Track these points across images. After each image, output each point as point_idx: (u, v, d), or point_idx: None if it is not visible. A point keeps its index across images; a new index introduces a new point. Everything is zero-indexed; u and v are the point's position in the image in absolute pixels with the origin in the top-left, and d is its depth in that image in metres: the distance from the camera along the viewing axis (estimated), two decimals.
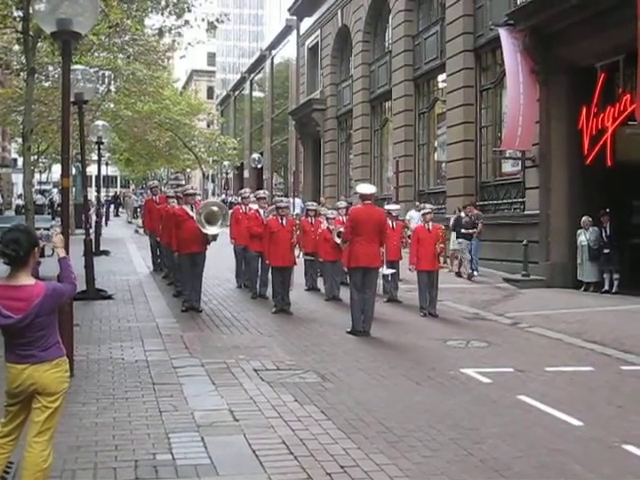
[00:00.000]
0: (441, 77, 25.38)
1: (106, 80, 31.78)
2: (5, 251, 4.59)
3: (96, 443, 6.22)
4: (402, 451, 6.20)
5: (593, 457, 6.22)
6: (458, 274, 19.96)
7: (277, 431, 6.64)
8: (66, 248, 5.62)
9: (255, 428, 6.70)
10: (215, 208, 13.28)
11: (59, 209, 35.63)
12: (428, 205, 14.98)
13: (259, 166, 47.50)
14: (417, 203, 22.63)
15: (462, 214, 20.17)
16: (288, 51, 46.04)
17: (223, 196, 47.81)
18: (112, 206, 51.56)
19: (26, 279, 4.66)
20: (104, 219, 38.24)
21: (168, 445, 6.22)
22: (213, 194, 62.61)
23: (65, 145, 8.85)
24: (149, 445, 6.21)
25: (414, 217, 20.98)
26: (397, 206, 16.73)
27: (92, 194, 37.45)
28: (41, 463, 4.70)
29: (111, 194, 57.67)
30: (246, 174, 55.93)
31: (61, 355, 4.83)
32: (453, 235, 20.64)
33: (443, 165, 25.25)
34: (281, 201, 14.37)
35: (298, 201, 30.89)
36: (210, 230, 12.94)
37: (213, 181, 70.90)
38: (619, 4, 15.04)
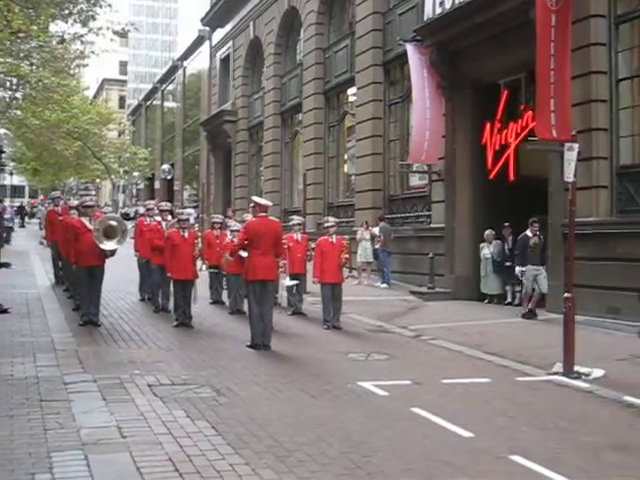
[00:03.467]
0: (351, 91, 25.56)
1: (14, 87, 31.07)
2: None
3: None
4: (290, 466, 6.12)
5: (480, 468, 6.26)
6: (528, 312, 15.32)
7: (165, 448, 6.49)
8: None
9: (142, 445, 6.53)
10: (113, 223, 13.02)
11: None
12: (332, 218, 15.01)
13: (169, 177, 47.02)
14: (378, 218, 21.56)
15: (528, 232, 15.55)
16: (200, 62, 45.75)
17: (133, 208, 47.05)
18: (18, 217, 50.10)
19: None
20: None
21: (49, 464, 6.00)
22: (124, 205, 61.63)
23: None
24: (29, 465, 5.98)
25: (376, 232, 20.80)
26: (301, 218, 16.72)
27: None
28: None
29: (17, 204, 56.19)
30: (157, 185, 55.30)
31: None
32: (360, 247, 20.71)
33: (352, 178, 25.41)
34: (182, 213, 14.20)
35: (192, 211, 30.79)
36: (107, 245, 12.69)
37: (124, 192, 69.86)
38: (521, 23, 15.37)
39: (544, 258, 15.52)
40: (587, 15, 14.62)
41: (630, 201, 14.29)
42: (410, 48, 19.50)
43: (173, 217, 15.52)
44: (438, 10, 18.21)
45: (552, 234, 15.65)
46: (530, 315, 15.29)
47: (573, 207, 10.83)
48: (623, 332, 13.02)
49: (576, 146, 10.76)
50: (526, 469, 6.28)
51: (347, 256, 14.22)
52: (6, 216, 36.60)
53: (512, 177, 17.21)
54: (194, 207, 40.60)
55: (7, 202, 45.09)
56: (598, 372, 10.11)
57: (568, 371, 10.08)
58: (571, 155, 10.65)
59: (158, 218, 15.48)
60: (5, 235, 34.92)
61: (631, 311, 13.36)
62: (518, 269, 15.74)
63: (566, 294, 10.56)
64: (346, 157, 26.63)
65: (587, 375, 10.01)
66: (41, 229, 37.96)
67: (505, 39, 16.63)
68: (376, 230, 20.73)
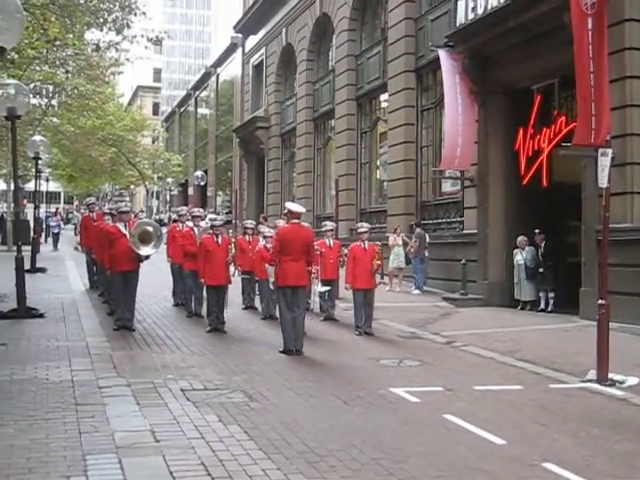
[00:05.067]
0: (383, 97, 25.59)
1: (50, 95, 31.44)
2: None
3: (9, 466, 6.03)
4: (322, 471, 6.14)
5: (512, 475, 6.23)
6: None
7: (197, 452, 6.52)
8: None
9: (175, 449, 6.58)
10: (149, 228, 13.14)
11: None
12: (365, 224, 15.01)
13: (202, 183, 47.25)
14: (412, 224, 21.73)
15: None
16: (233, 68, 46.00)
17: (167, 214, 47.41)
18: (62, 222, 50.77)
19: None
20: (44, 235, 37.79)
21: (84, 467, 6.05)
22: (158, 211, 62.08)
23: None
24: (64, 467, 6.04)
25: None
26: (333, 224, 16.75)
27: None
28: None
29: (52, 210, 56.90)
30: (190, 191, 55.65)
31: None
32: (392, 253, 20.69)
33: (385, 184, 25.40)
34: (215, 219, 14.30)
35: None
36: (144, 250, 12.81)
37: (157, 198, 70.36)
38: (554, 28, 15.29)
39: None
40: (622, 19, 14.52)
41: None
42: (442, 54, 19.48)
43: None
44: (470, 16, 18.20)
45: (586, 240, 15.53)
46: None
47: (607, 213, 10.72)
48: None
49: (610, 151, 10.66)
50: (558, 476, 6.24)
51: (379, 262, 14.24)
52: (52, 223, 37.38)
53: (545, 183, 17.12)
54: (227, 212, 40.80)
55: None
56: (633, 380, 10.01)
57: (602, 378, 9.99)
58: (605, 160, 10.55)
59: (190, 224, 15.62)
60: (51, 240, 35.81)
61: None
62: None
63: (600, 301, 10.46)
64: (378, 163, 26.64)
65: (621, 383, 9.92)
66: (76, 235, 38.55)
67: (537, 44, 16.54)
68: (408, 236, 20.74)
